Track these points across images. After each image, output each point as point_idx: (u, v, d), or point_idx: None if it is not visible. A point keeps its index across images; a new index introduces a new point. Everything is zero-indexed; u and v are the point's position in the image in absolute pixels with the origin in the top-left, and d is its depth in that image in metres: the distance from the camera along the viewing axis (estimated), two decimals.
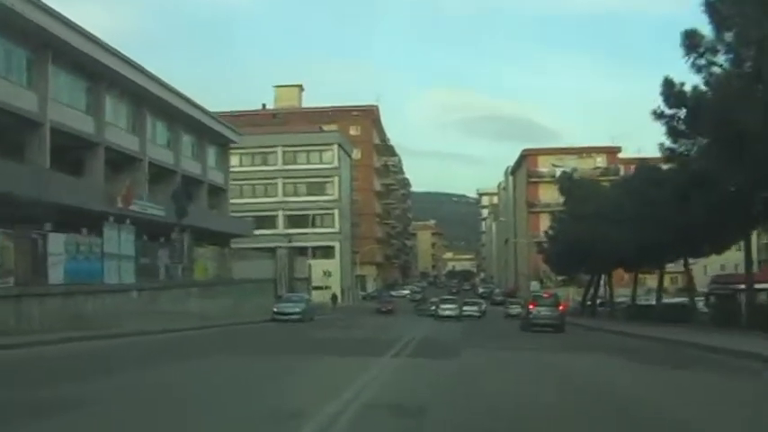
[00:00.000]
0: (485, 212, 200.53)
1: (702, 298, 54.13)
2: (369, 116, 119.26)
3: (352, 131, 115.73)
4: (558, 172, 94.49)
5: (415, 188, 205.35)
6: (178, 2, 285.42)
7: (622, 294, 77.15)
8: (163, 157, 50.42)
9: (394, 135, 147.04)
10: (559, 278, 69.29)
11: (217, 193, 62.33)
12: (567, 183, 56.04)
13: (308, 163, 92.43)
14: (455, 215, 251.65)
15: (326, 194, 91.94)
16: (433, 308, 59.09)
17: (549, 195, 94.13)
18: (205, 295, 41.31)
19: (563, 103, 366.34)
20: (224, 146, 63.63)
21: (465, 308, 59.50)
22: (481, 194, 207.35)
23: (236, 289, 46.53)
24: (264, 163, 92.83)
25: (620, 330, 36.55)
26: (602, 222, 43.20)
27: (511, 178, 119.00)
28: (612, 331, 37.05)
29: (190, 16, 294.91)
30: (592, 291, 62.88)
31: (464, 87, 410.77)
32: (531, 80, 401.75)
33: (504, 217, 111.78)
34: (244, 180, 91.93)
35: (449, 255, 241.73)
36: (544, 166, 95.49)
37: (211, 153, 60.69)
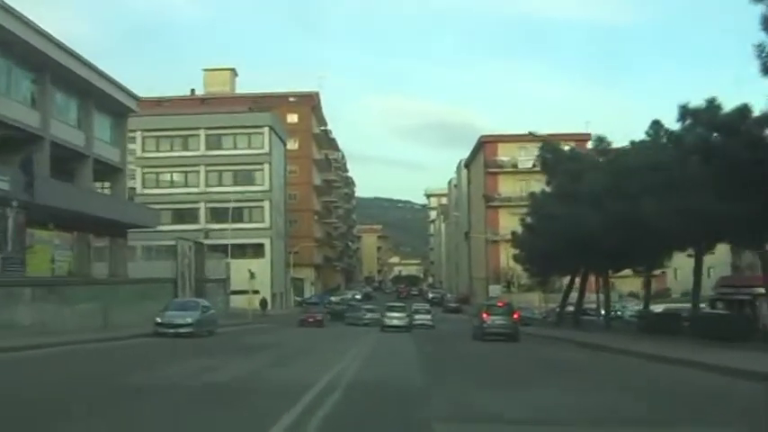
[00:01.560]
0: (433, 214, 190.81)
1: (704, 305, 43.56)
2: (308, 103, 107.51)
3: (290, 119, 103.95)
4: (524, 159, 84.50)
5: (359, 194, 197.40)
6: None
7: (591, 302, 67.83)
8: (22, 117, 38.12)
9: (337, 138, 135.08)
10: (533, 280, 58.15)
11: (110, 173, 50.13)
12: (552, 155, 44.41)
13: (235, 148, 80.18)
14: (401, 221, 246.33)
15: (255, 184, 79.76)
16: (369, 316, 55.99)
17: (510, 187, 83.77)
18: (48, 299, 29.14)
19: (509, 110, 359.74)
20: (121, 116, 51.21)
21: (416, 316, 53.15)
22: (429, 195, 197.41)
23: (107, 292, 34.42)
24: (185, 148, 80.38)
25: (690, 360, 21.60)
26: (602, 204, 32.13)
27: (465, 172, 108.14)
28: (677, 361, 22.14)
29: None
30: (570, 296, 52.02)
31: (408, 94, 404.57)
32: (477, 87, 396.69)
33: (457, 212, 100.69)
34: (161, 167, 79.80)
35: (395, 259, 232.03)
36: (505, 154, 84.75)
37: (102, 122, 48.37)
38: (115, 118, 50.58)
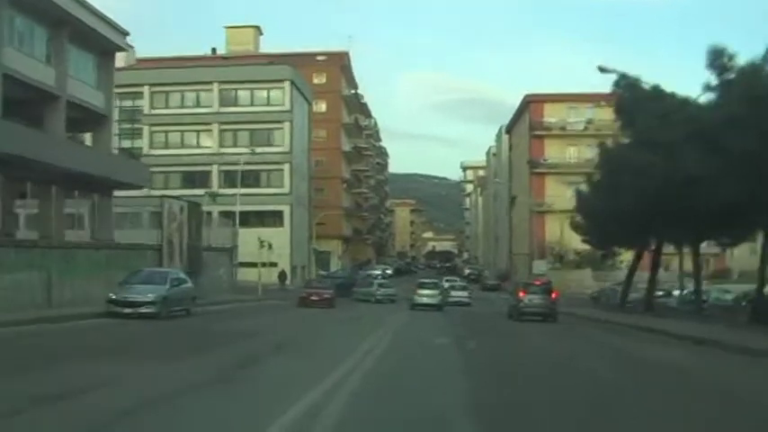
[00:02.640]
0: (469, 187, 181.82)
1: None
2: (337, 62, 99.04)
3: (317, 80, 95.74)
4: (573, 121, 75.67)
5: (394, 169, 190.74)
6: None
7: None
8: None
9: (369, 105, 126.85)
10: (582, 257, 49.53)
11: (93, 121, 42.54)
12: (630, 94, 35.00)
13: (252, 104, 72.14)
14: (436, 197, 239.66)
15: (274, 145, 71.76)
16: (381, 291, 52.05)
17: (558, 151, 75.02)
18: None
19: (548, 86, 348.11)
20: (106, 54, 43.36)
21: (452, 293, 51.63)
22: (465, 168, 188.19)
23: (55, 259, 26.68)
24: (197, 104, 72.57)
25: None
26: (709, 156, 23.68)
27: (506, 138, 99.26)
28: None
29: None
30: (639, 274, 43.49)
31: (444, 69, 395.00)
32: (515, 63, 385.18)
33: (499, 179, 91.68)
34: (170, 125, 72.18)
35: (429, 234, 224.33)
36: (552, 115, 75.81)
37: (81, 60, 40.60)
38: (99, 56, 42.75)
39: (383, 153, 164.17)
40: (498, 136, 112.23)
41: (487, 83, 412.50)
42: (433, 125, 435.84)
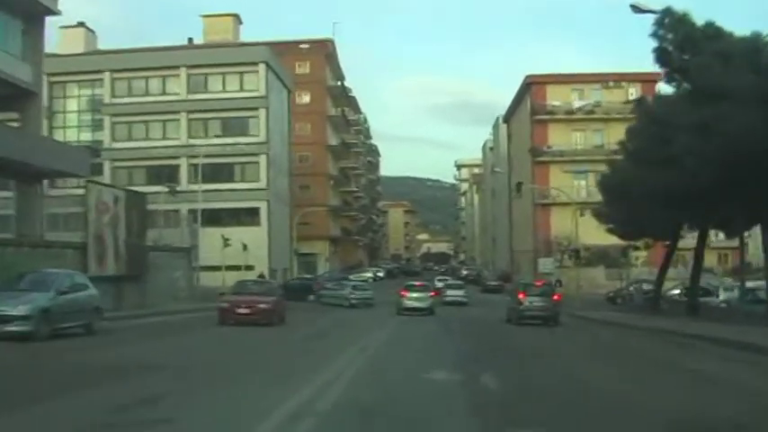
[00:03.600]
0: (464, 186, 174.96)
1: None
2: (321, 50, 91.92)
3: (299, 70, 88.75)
4: (580, 104, 68.77)
5: (387, 172, 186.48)
6: None
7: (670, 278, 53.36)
8: None
9: (359, 100, 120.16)
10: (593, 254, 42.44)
11: (17, 98, 35.53)
12: (676, 35, 27.18)
13: (224, 90, 64.93)
14: (430, 199, 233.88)
15: (249, 135, 64.57)
16: (356, 294, 46.92)
17: (563, 137, 68.10)
18: None
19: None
20: (32, 19, 36.28)
21: (449, 292, 52.43)
22: (460, 166, 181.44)
23: None
24: (162, 91, 65.39)
25: None
26: None
27: (503, 128, 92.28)
28: None
29: None
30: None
31: (435, 73, 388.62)
32: (506, 66, 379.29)
33: (499, 168, 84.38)
34: (133, 115, 65.06)
35: (424, 236, 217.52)
36: (556, 98, 68.82)
37: None
38: (24, 22, 35.77)
39: (374, 151, 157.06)
40: (495, 127, 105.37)
41: (478, 86, 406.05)
42: (425, 128, 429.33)
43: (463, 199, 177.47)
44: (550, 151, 67.37)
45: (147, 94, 65.15)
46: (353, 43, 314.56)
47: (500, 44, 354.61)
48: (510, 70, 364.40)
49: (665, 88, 28.71)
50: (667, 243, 38.85)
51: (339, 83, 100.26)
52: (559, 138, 67.83)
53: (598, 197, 57.58)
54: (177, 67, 64.44)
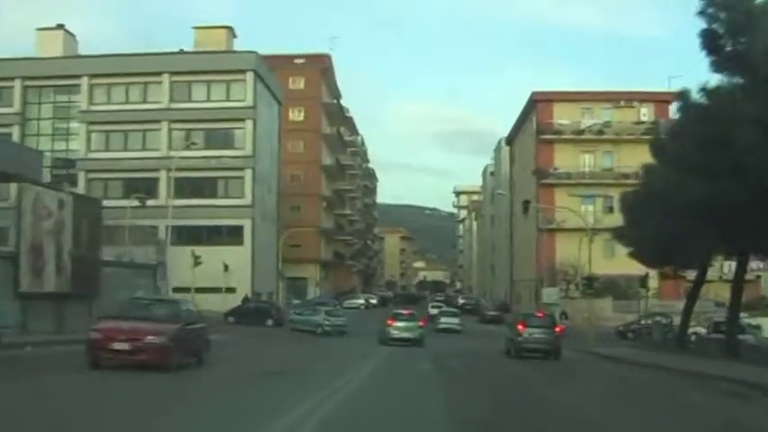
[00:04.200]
0: (462, 213, 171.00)
1: None
2: (317, 65, 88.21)
3: (294, 85, 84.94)
4: (589, 123, 64.69)
5: (385, 200, 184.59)
6: None
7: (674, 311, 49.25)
8: None
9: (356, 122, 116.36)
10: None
11: None
12: (729, 13, 22.79)
13: (209, 100, 60.68)
14: (427, 228, 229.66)
15: (235, 148, 60.28)
16: (331, 321, 44.53)
17: (570, 159, 63.95)
18: None
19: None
20: None
21: (443, 319, 52.75)
22: (458, 193, 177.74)
23: None
24: (143, 99, 61.17)
25: None
26: None
27: (506, 151, 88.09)
28: None
29: None
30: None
31: (432, 100, 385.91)
32: (509, 93, 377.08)
33: (502, 191, 79.66)
34: (112, 124, 60.98)
35: (420, 264, 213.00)
36: (563, 117, 64.59)
37: None
38: None
39: (371, 175, 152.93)
40: (497, 150, 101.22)
41: (479, 113, 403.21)
42: (424, 156, 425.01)
43: (461, 226, 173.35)
44: (556, 173, 63.07)
45: (126, 101, 60.97)
46: (352, 70, 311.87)
47: (502, 71, 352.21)
48: (513, 98, 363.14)
49: (712, 79, 24.15)
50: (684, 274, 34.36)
51: (335, 101, 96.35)
52: (566, 159, 63.58)
53: (607, 222, 53.82)
54: (159, 74, 60.33)
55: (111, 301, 31.68)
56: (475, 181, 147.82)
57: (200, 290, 49.86)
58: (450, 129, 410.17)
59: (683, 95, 25.18)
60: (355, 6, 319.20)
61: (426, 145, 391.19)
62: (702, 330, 34.89)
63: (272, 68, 70.01)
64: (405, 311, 42.04)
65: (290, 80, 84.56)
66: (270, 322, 47.66)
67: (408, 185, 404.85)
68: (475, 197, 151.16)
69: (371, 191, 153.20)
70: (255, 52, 61.90)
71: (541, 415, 12.83)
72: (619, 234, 33.12)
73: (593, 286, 40.57)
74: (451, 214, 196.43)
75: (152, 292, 38.05)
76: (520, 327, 31.35)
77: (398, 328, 37.58)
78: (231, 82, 60.54)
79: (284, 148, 75.62)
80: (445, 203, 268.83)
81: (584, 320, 49.55)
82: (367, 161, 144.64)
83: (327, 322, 44.02)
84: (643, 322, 47.25)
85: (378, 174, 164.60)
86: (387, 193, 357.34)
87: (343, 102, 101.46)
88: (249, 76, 60.19)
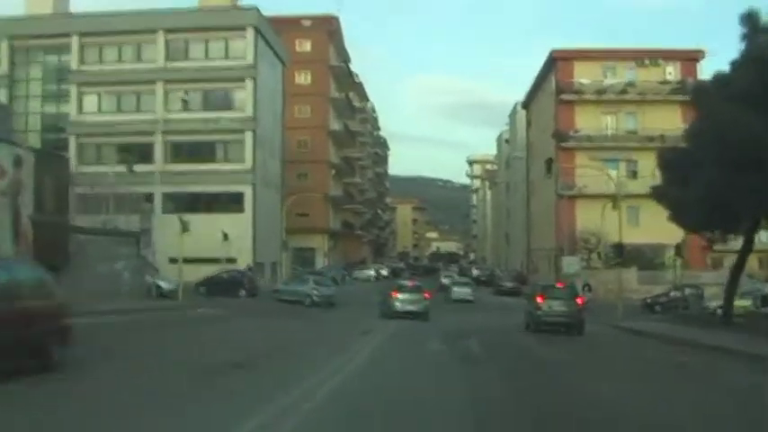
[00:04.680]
0: (476, 183, 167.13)
1: None
2: (324, 27, 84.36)
3: (301, 48, 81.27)
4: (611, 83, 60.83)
5: (398, 172, 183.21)
6: None
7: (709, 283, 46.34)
8: None
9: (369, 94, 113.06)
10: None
11: None
12: None
13: (207, 58, 56.96)
14: (441, 199, 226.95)
15: (233, 109, 56.74)
16: (306, 287, 42.57)
17: (592, 121, 60.14)
18: None
19: None
20: None
21: (455, 289, 52.19)
22: (471, 162, 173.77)
23: None
24: (137, 59, 57.59)
25: None
26: None
27: (522, 114, 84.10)
28: None
29: None
30: None
31: (446, 72, 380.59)
32: (519, 66, 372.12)
33: (519, 153, 75.82)
34: (104, 85, 57.52)
35: (433, 235, 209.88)
36: (584, 76, 60.56)
37: None
38: None
39: (383, 143, 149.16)
40: (512, 116, 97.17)
41: (490, 86, 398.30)
42: (437, 128, 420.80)
43: (474, 196, 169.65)
44: (577, 136, 59.12)
45: (119, 61, 57.39)
46: (365, 42, 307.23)
47: (513, 44, 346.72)
48: (528, 70, 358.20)
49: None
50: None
51: (344, 63, 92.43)
52: (587, 121, 59.57)
53: (631, 188, 50.11)
54: (154, 32, 56.53)
55: (86, 271, 28.52)
56: (489, 151, 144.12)
57: (199, 260, 46.86)
58: (463, 101, 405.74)
59: (750, 18, 21.31)
60: None
61: (439, 117, 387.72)
62: (745, 303, 31.33)
63: (278, 31, 66.18)
64: (410, 283, 39.91)
65: (297, 42, 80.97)
66: (243, 293, 44.56)
67: (421, 158, 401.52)
68: (489, 166, 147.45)
69: (383, 159, 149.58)
70: (256, 8, 57.92)
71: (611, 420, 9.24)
72: (660, 193, 29.35)
73: (623, 254, 36.90)
74: (465, 186, 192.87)
75: (137, 262, 34.88)
76: (539, 299, 29.98)
77: (402, 301, 35.59)
78: (230, 39, 56.72)
79: (291, 114, 72.09)
80: (458, 175, 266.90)
81: (608, 292, 46.24)
82: (378, 129, 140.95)
83: (316, 292, 41.45)
84: (672, 294, 43.88)
85: (390, 145, 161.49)
86: (399, 166, 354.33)
87: (350, 58, 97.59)
88: (249, 33, 56.28)
